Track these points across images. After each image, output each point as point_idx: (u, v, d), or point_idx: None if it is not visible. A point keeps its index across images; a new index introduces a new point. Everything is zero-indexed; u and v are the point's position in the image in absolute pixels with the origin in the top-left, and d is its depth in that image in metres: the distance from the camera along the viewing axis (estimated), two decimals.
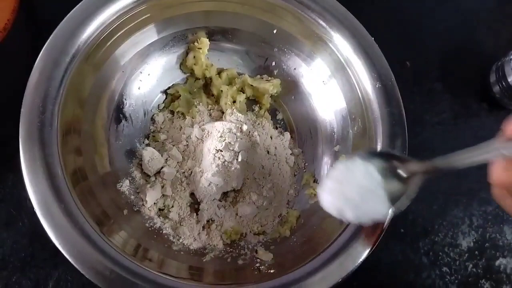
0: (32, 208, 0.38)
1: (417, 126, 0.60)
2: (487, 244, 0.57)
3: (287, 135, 0.56)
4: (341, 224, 0.45)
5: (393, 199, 0.30)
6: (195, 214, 0.51)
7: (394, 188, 0.30)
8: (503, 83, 0.60)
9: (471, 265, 0.56)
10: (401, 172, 0.31)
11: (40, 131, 0.40)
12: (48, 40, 0.43)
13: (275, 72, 0.57)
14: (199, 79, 0.56)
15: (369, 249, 0.42)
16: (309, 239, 0.47)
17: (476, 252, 0.57)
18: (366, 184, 0.30)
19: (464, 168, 0.31)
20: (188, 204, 0.51)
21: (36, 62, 0.42)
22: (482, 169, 0.33)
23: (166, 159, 0.51)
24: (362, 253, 0.42)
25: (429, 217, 0.57)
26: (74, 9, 0.44)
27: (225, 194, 0.52)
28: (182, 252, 0.47)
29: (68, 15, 0.44)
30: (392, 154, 0.33)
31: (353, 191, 0.30)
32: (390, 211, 0.30)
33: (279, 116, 0.58)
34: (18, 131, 0.40)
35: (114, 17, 0.45)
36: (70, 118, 0.44)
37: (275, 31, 0.54)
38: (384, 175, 0.30)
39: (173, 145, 0.52)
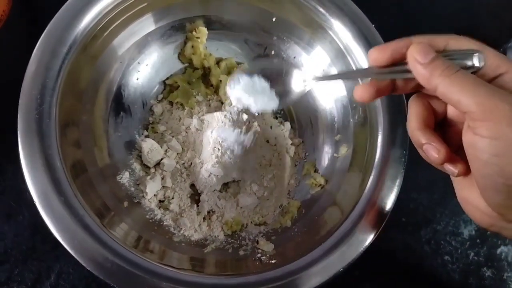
0: (32, 200, 0.38)
1: None
2: (488, 232, 0.57)
3: (287, 125, 0.56)
4: (342, 214, 0.45)
5: (283, 98, 0.41)
6: (195, 205, 0.51)
7: (282, 90, 0.41)
8: None
9: (472, 253, 0.56)
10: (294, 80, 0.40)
11: (38, 123, 0.40)
12: (45, 31, 0.42)
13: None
14: (198, 69, 0.55)
15: (371, 238, 0.42)
16: (310, 229, 0.47)
17: (478, 240, 0.57)
18: (260, 89, 0.41)
19: None
20: (189, 195, 0.51)
21: (33, 53, 0.41)
22: None
23: (166, 151, 0.51)
24: (363, 242, 0.42)
25: (431, 206, 0.57)
26: None
27: (225, 185, 0.52)
28: (183, 244, 0.47)
29: (65, 5, 0.44)
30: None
31: (252, 92, 0.42)
32: (277, 104, 0.41)
33: None
34: (16, 123, 0.40)
35: (111, 6, 0.45)
36: (68, 109, 0.43)
37: (274, 19, 0.53)
38: (274, 83, 0.41)
39: (173, 136, 0.52)
